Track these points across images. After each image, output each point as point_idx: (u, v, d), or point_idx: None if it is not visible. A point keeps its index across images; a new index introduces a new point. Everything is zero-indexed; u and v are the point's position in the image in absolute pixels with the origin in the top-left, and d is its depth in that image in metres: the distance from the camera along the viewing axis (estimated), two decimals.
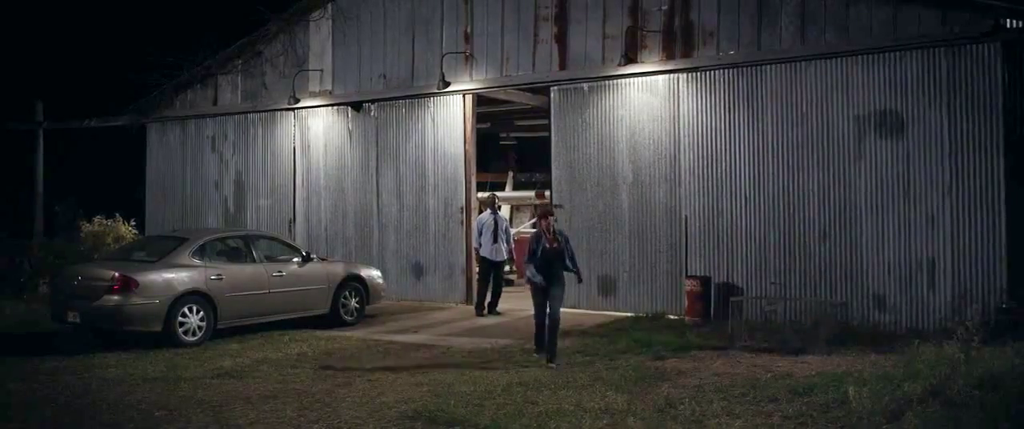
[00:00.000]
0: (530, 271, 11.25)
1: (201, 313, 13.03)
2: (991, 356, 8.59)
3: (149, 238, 16.86)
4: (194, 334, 12.92)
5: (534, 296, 11.43)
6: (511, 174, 25.71)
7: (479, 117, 22.65)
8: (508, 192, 24.35)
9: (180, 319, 12.80)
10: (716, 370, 10.12)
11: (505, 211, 23.99)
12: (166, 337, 12.67)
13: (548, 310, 11.19)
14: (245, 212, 20.25)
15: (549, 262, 11.20)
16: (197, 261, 13.30)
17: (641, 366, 10.36)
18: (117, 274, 12.62)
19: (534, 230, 11.86)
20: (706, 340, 12.28)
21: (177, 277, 12.97)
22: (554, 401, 8.60)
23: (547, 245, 11.20)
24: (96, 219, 23.36)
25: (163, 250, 13.51)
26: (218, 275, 13.35)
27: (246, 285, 13.69)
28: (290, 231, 19.43)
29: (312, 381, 10.21)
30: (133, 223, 22.58)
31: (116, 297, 12.48)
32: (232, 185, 20.53)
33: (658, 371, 10.07)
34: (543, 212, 11.71)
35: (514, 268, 20.80)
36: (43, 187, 22.97)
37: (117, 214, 23.22)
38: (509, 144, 26.63)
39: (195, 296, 13.02)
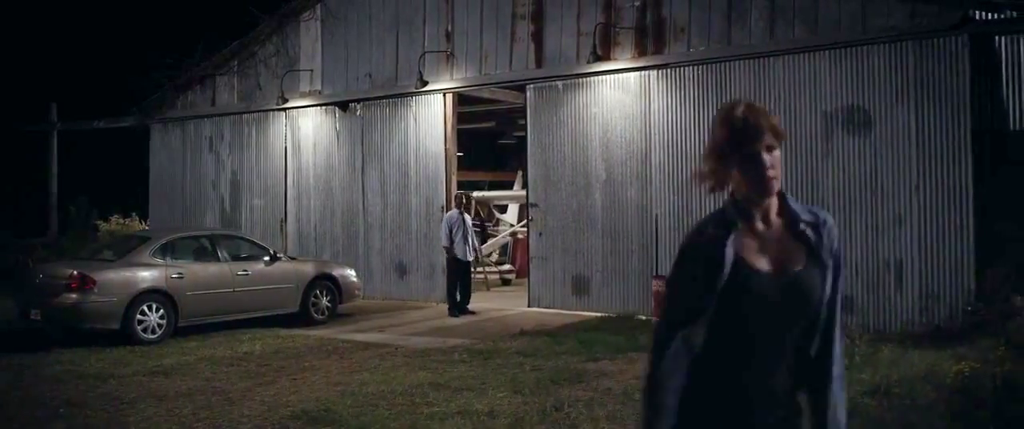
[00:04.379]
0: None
1: (161, 311, 13.14)
2: (891, 361, 8.26)
3: (118, 238, 17.08)
4: (154, 332, 13.05)
5: None
6: (520, 173, 25.59)
7: (483, 116, 22.73)
8: (516, 190, 24.25)
9: (139, 317, 12.93)
10: (639, 372, 9.89)
11: (513, 210, 23.96)
12: (125, 335, 12.83)
13: None
14: (240, 212, 20.47)
15: (768, 325, 2.98)
16: (158, 260, 13.44)
17: (566, 368, 10.18)
18: (75, 272, 12.83)
19: (715, 217, 3.09)
20: None
21: (136, 276, 13.11)
22: (447, 403, 8.50)
23: (766, 269, 2.98)
24: (113, 218, 23.90)
25: (125, 249, 13.71)
26: (179, 274, 13.48)
27: (209, 284, 13.80)
28: (282, 231, 19.60)
29: (238, 379, 10.25)
30: (150, 223, 22.99)
31: (74, 295, 12.66)
32: (228, 185, 20.77)
33: (579, 373, 9.90)
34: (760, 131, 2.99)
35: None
36: (56, 187, 23.54)
37: (133, 214, 23.74)
38: (509, 143, 26.54)
39: (155, 294, 13.14)
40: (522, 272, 21.27)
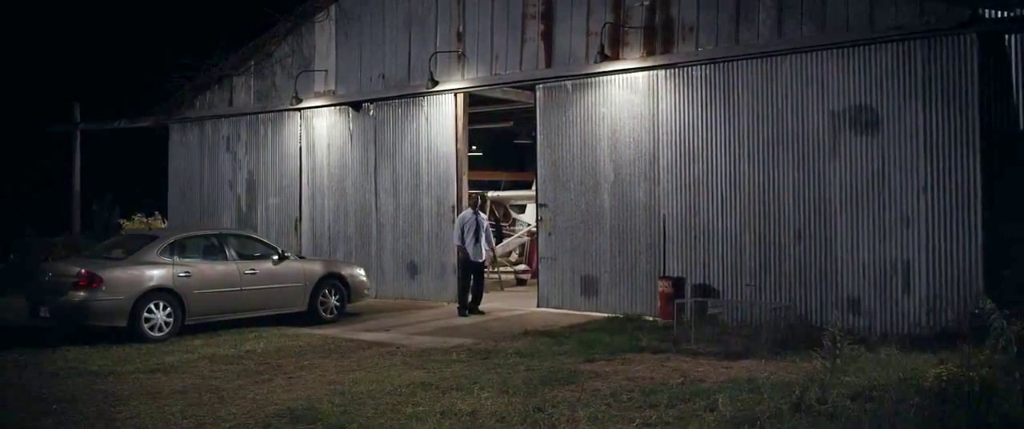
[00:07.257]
0: None
1: (168, 309, 13.27)
2: (878, 364, 8.13)
3: (127, 236, 17.23)
4: (160, 330, 13.18)
5: None
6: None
7: (501, 116, 22.70)
8: (534, 190, 24.19)
9: (146, 315, 13.06)
10: (633, 374, 9.85)
11: (531, 210, 23.92)
12: (131, 332, 12.97)
13: None
14: (256, 211, 20.61)
15: None
16: (165, 259, 13.56)
17: (560, 369, 10.14)
18: (82, 270, 12.98)
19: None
20: (659, 342, 11.96)
21: (143, 274, 13.24)
22: (432, 403, 8.50)
23: None
24: (136, 217, 24.19)
25: (133, 248, 13.84)
26: (186, 272, 13.59)
27: (216, 282, 13.91)
28: (296, 230, 19.73)
29: (234, 377, 10.32)
30: (169, 222, 23.22)
31: (82, 293, 12.82)
32: (245, 184, 20.93)
33: (573, 374, 9.86)
34: None
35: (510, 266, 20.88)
36: (80, 186, 23.86)
37: (156, 213, 24.03)
38: (527, 143, 26.51)
39: (162, 293, 13.27)
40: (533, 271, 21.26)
